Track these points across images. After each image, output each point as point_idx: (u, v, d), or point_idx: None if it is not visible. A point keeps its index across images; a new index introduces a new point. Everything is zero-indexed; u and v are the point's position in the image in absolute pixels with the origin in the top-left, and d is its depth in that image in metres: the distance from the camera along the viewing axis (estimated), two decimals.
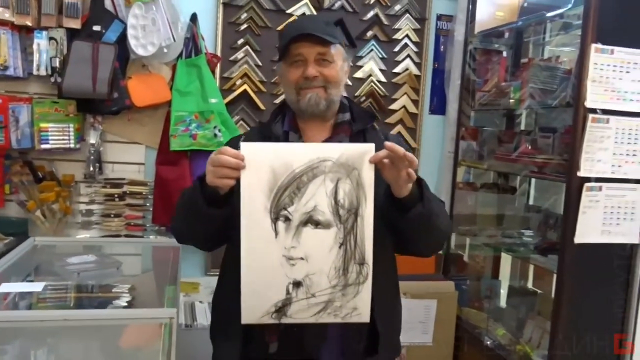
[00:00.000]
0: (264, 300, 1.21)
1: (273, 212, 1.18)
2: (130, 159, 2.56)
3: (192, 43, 2.54)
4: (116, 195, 2.53)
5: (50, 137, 2.35)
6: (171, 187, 2.48)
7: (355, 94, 2.83)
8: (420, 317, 2.55)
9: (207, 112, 2.51)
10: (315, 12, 2.73)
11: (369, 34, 2.82)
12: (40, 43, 2.31)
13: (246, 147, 1.17)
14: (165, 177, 2.51)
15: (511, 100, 2.50)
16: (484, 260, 2.87)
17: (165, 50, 2.41)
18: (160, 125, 2.55)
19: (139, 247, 2.52)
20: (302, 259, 1.20)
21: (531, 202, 2.83)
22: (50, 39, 2.32)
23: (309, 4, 2.72)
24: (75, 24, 2.33)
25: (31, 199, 2.38)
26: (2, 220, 2.38)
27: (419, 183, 1.26)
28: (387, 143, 1.18)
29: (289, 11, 2.70)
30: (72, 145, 2.40)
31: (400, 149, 1.16)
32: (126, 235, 2.55)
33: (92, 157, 2.46)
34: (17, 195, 2.40)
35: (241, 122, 2.69)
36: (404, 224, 1.28)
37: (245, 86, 2.67)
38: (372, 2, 2.81)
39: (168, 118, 2.52)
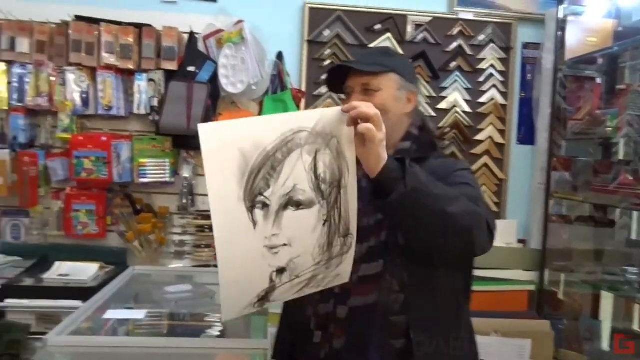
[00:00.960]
0: (246, 294, 1.09)
1: (247, 200, 1.01)
2: None
3: (278, 80, 2.63)
4: (207, 227, 2.62)
5: (148, 172, 2.51)
6: None
7: (439, 125, 2.79)
8: (513, 358, 2.42)
9: None
10: (398, 46, 2.75)
11: (453, 64, 2.80)
12: (141, 84, 2.49)
13: (205, 129, 0.97)
14: None
15: (607, 129, 2.37)
16: (581, 298, 2.68)
17: (253, 88, 2.52)
18: None
19: None
20: (285, 245, 1.08)
21: (634, 236, 2.63)
22: (150, 80, 2.50)
23: (391, 37, 2.75)
24: (172, 66, 2.50)
25: (130, 230, 2.53)
26: (104, 250, 2.54)
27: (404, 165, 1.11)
28: (344, 106, 1.09)
29: (371, 46, 2.74)
30: (167, 179, 2.54)
31: (351, 104, 1.08)
32: (215, 266, 2.62)
33: (185, 190, 2.59)
34: (117, 227, 2.56)
35: None
36: (391, 214, 1.15)
37: None
38: (455, 33, 2.79)
39: None
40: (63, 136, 2.47)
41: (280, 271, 1.09)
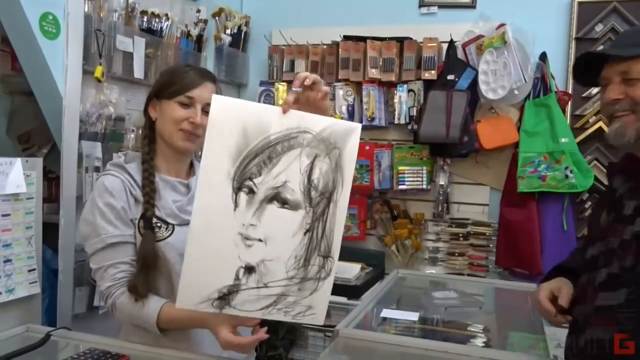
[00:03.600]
0: (207, 283, 1.06)
1: (236, 180, 1.03)
2: (475, 199, 2.63)
3: (541, 83, 2.48)
4: (461, 235, 2.61)
5: (406, 179, 2.60)
6: (516, 229, 2.45)
7: None
8: None
9: (558, 153, 2.39)
10: None
11: None
12: (401, 95, 2.60)
13: (218, 98, 1.04)
14: (510, 219, 2.49)
15: None
16: None
17: (516, 92, 2.42)
18: (506, 167, 2.55)
19: (480, 288, 2.51)
20: (260, 240, 1.06)
21: None
22: (409, 90, 2.59)
23: None
24: (431, 76, 2.55)
25: (388, 234, 2.66)
26: (364, 252, 2.72)
27: None
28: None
29: None
30: (424, 186, 2.60)
31: None
32: (469, 275, 2.59)
33: (440, 198, 2.61)
34: (376, 230, 2.71)
35: (594, 162, 2.47)
36: None
37: (600, 123, 2.45)
38: None
39: (514, 159, 2.51)
40: None
41: (249, 270, 1.07)
